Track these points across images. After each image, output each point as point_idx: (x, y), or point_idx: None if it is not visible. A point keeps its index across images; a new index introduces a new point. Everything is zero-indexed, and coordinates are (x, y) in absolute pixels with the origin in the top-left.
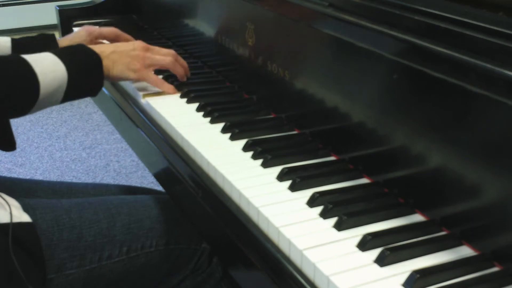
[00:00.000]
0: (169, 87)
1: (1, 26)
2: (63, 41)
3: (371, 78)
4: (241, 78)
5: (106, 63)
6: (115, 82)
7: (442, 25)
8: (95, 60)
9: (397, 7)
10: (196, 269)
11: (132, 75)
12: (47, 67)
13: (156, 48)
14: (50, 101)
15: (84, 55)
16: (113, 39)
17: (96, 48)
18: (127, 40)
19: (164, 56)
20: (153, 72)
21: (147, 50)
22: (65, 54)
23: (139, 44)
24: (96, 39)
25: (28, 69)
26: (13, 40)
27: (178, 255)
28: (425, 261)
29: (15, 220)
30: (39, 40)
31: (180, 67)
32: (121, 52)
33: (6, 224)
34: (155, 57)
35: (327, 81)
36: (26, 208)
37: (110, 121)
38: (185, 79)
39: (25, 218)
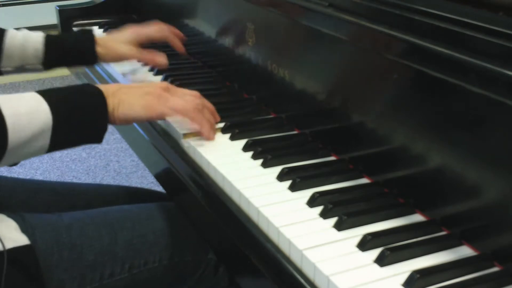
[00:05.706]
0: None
1: (1, 26)
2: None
3: (371, 78)
4: (241, 78)
5: (111, 101)
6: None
7: (442, 25)
8: (96, 99)
9: (397, 7)
10: (201, 280)
11: (141, 111)
12: (22, 108)
13: (179, 89)
14: (31, 150)
15: (81, 93)
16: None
17: (102, 86)
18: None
19: (186, 101)
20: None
21: (166, 89)
22: (54, 93)
23: (158, 83)
24: (142, 42)
25: None
26: (47, 37)
27: (182, 268)
28: (425, 261)
29: (11, 245)
30: (74, 36)
31: (203, 118)
32: (131, 89)
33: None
34: (173, 98)
35: (327, 81)
36: (25, 228)
37: None
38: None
39: (22, 240)
